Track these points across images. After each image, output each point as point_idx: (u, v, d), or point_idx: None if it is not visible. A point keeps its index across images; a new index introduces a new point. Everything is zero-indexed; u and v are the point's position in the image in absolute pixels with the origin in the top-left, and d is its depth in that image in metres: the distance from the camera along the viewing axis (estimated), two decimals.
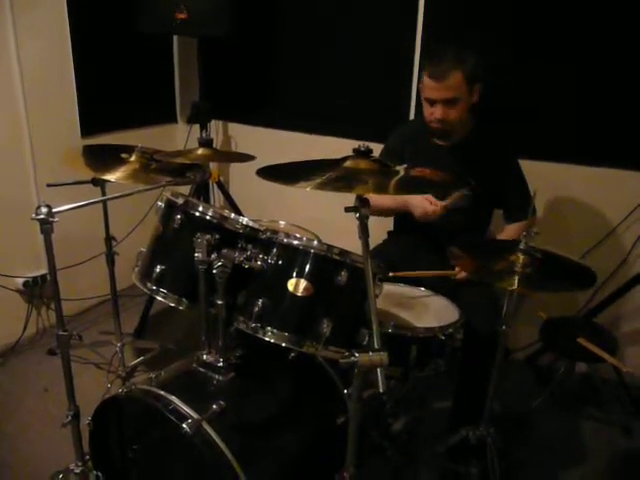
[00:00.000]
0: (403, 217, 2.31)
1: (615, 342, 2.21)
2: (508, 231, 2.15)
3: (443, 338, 1.72)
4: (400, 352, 1.69)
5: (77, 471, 1.71)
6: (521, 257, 1.57)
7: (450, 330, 1.74)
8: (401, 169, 1.41)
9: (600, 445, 2.23)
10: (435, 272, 1.98)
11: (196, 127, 3.05)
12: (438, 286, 1.98)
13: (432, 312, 1.87)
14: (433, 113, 1.95)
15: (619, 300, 2.46)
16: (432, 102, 1.95)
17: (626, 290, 2.42)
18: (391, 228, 2.39)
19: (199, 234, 1.54)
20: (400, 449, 1.94)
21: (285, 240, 1.52)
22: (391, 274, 1.93)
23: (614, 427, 2.32)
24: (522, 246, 1.58)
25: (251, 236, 1.60)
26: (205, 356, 1.63)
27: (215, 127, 3.30)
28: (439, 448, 1.92)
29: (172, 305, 1.68)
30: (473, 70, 1.91)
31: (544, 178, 2.45)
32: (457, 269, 1.94)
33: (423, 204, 1.97)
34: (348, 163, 1.39)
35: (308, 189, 1.30)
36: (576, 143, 2.45)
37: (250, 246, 1.57)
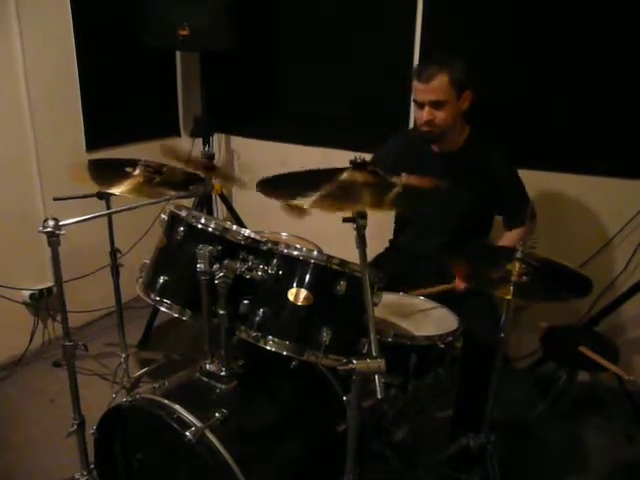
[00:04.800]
0: (403, 226, 2.35)
1: (616, 350, 2.22)
2: (507, 238, 2.17)
3: (443, 346, 1.74)
4: (400, 361, 1.71)
5: None
6: (517, 265, 1.59)
7: (450, 338, 1.76)
8: (396, 180, 1.44)
9: (603, 453, 2.23)
10: (435, 289, 2.01)
11: (199, 140, 3.09)
12: (437, 295, 2.00)
13: (432, 321, 1.88)
14: (421, 116, 2.00)
15: (620, 308, 2.47)
16: (420, 105, 2.00)
17: (627, 298, 2.43)
18: (392, 237, 2.42)
19: (201, 245, 1.56)
20: (402, 457, 1.95)
21: (285, 251, 1.55)
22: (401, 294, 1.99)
23: (617, 435, 2.32)
24: (519, 255, 1.61)
25: (252, 247, 1.63)
26: (208, 365, 1.65)
27: (218, 140, 3.34)
28: (440, 456, 1.93)
29: (176, 316, 1.70)
30: (461, 76, 1.95)
31: (542, 187, 2.48)
32: (456, 281, 1.97)
33: None
34: (345, 175, 1.42)
35: (306, 206, 1.33)
36: (573, 152, 2.47)
37: (251, 257, 1.60)
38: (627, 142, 2.37)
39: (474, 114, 2.07)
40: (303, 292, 1.50)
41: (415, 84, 1.98)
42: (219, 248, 1.58)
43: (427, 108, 1.97)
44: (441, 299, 1.98)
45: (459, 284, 1.98)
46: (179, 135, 3.51)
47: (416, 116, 2.05)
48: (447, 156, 2.11)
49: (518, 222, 2.11)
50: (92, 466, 1.75)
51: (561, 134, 2.46)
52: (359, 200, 1.34)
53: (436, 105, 1.96)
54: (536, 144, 2.50)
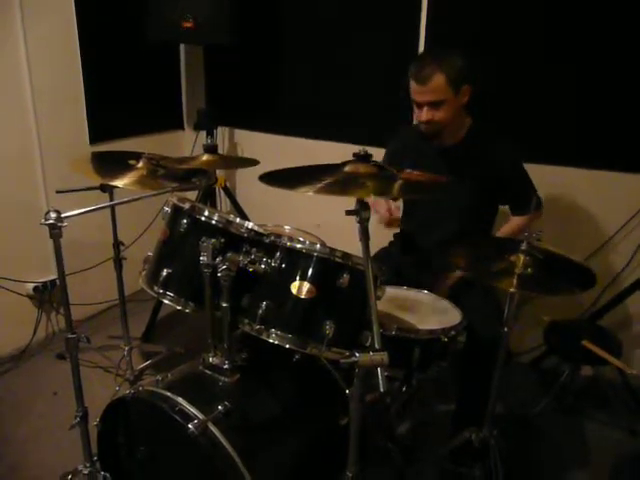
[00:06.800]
0: (407, 219, 2.34)
1: (619, 344, 2.21)
2: (513, 221, 2.17)
3: (446, 340, 1.74)
4: (403, 354, 1.71)
5: (85, 472, 1.75)
6: (522, 258, 1.58)
7: (453, 332, 1.76)
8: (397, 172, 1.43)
9: (606, 447, 2.23)
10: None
11: (203, 133, 3.09)
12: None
13: (435, 315, 1.88)
14: (420, 116, 1.99)
15: (623, 302, 2.46)
16: (419, 105, 1.99)
17: (630, 292, 2.43)
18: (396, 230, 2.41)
19: (204, 238, 1.56)
20: (404, 451, 1.95)
21: (288, 244, 1.55)
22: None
23: (620, 429, 2.32)
24: (524, 246, 1.60)
25: (255, 240, 1.63)
26: (211, 358, 1.65)
27: (221, 133, 3.33)
28: (443, 450, 1.93)
29: (179, 308, 1.71)
30: (458, 72, 1.92)
31: (545, 181, 2.45)
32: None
33: (381, 210, 2.00)
34: (348, 167, 1.42)
35: (310, 193, 1.33)
36: (577, 146, 2.46)
37: (254, 250, 1.60)
38: (631, 136, 2.35)
39: (476, 107, 2.06)
40: (306, 285, 1.50)
41: (412, 85, 1.97)
42: (222, 241, 1.58)
43: (426, 108, 1.96)
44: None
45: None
46: (182, 128, 3.50)
47: (416, 114, 2.04)
48: (448, 150, 2.09)
49: (523, 211, 2.12)
50: (95, 458, 1.76)
51: (564, 127, 2.45)
52: (363, 187, 1.33)
53: (434, 105, 1.95)
54: (539, 137, 2.48)
